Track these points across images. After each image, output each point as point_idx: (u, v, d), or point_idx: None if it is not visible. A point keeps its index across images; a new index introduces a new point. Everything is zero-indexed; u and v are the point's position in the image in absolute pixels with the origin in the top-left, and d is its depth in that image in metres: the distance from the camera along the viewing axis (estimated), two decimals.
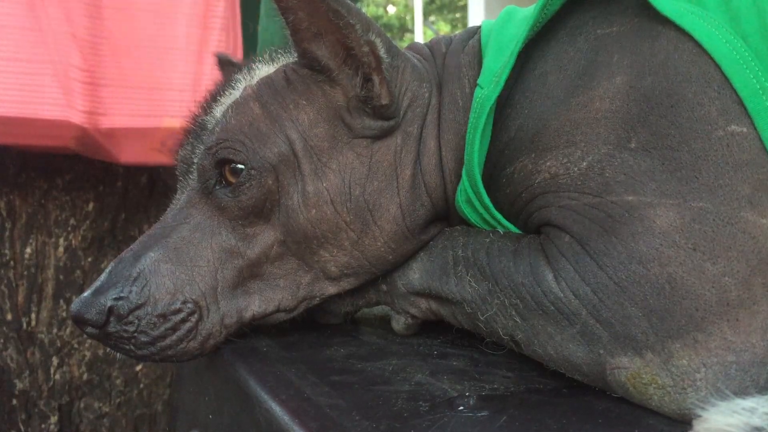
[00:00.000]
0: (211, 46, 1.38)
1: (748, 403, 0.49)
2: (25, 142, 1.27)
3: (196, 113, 0.80)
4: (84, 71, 1.26)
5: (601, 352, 0.57)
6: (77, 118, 1.23)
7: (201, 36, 1.38)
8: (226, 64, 1.00)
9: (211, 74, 1.37)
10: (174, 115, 1.33)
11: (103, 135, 1.27)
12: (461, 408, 0.55)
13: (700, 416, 0.51)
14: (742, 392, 0.51)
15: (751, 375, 0.52)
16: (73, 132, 1.24)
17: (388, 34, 0.74)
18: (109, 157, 1.31)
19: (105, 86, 1.28)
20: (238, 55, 1.41)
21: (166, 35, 1.35)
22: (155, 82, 1.34)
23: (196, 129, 0.78)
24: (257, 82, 0.77)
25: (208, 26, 1.38)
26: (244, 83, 0.78)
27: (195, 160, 0.76)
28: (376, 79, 0.71)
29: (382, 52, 0.71)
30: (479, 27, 0.80)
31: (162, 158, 1.34)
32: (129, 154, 1.31)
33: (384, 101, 0.72)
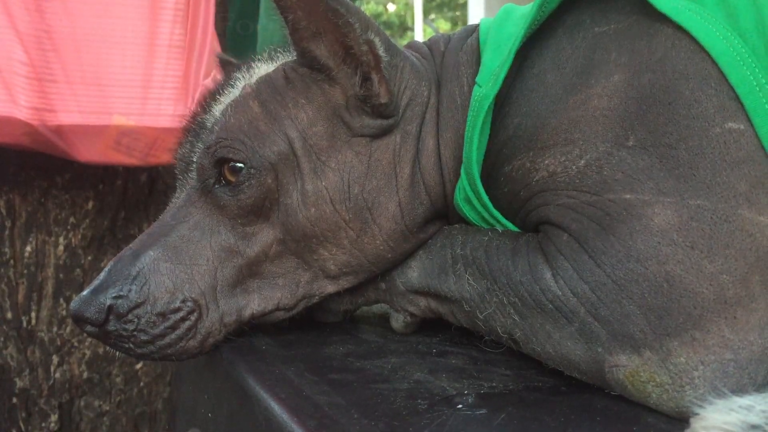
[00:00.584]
0: (162, 39, 1.33)
1: (746, 401, 0.49)
2: None
3: (195, 112, 0.80)
4: (28, 66, 1.22)
5: (600, 350, 0.57)
6: (22, 114, 1.20)
7: (149, 29, 1.33)
8: (225, 64, 1.00)
9: (165, 69, 1.34)
10: (123, 112, 1.30)
11: (54, 132, 1.24)
12: (460, 406, 0.55)
13: (697, 414, 0.51)
14: (739, 390, 0.51)
15: (749, 373, 0.52)
16: (21, 128, 1.21)
17: (388, 32, 0.74)
18: (67, 155, 1.28)
19: (51, 82, 1.25)
20: (216, 49, 1.36)
21: (110, 29, 1.30)
22: (102, 77, 1.29)
23: (195, 128, 0.78)
24: (256, 80, 0.77)
25: (157, 19, 1.33)
26: (243, 82, 0.78)
27: (194, 159, 0.76)
28: (374, 77, 0.71)
29: (380, 50, 0.71)
30: (477, 25, 0.80)
31: (120, 157, 1.32)
32: (86, 153, 1.28)
33: (383, 100, 0.72)
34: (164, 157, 1.33)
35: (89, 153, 1.29)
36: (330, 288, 0.76)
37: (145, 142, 1.32)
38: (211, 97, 0.80)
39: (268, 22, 1.62)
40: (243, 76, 0.79)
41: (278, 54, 0.81)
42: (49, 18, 1.25)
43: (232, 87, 0.79)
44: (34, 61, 1.23)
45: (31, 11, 1.23)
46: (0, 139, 1.23)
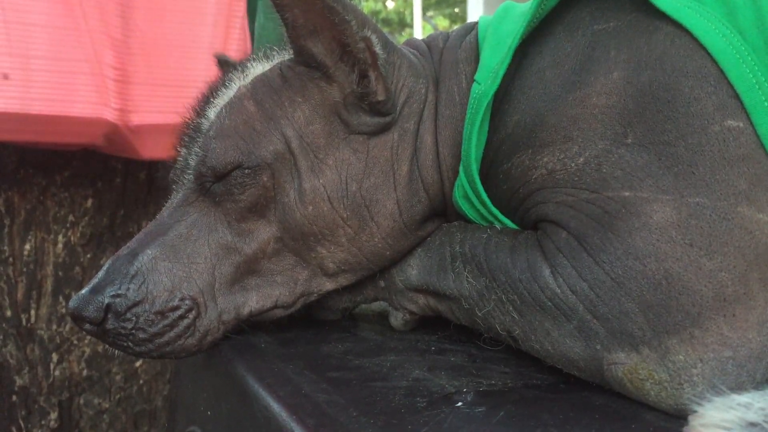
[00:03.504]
0: (232, 45, 1.43)
1: (744, 398, 0.49)
2: (58, 139, 1.30)
3: (190, 116, 0.80)
4: (117, 69, 1.29)
5: (598, 347, 0.57)
6: (110, 115, 1.26)
7: (224, 36, 1.42)
8: (224, 64, 1.00)
9: None
10: None
11: (132, 131, 1.31)
12: (459, 404, 0.55)
13: (696, 411, 0.51)
14: (738, 387, 0.51)
15: (748, 370, 0.52)
16: (105, 129, 1.27)
17: (387, 29, 0.74)
18: (133, 153, 1.34)
19: (135, 84, 1.32)
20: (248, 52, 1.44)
21: (192, 35, 1.39)
22: (181, 80, 1.37)
23: (190, 132, 0.78)
24: (252, 80, 0.77)
25: (230, 26, 1.43)
26: (237, 83, 0.78)
27: (191, 163, 0.76)
28: (372, 75, 0.71)
29: (377, 48, 0.70)
30: (476, 23, 0.80)
31: None
32: (151, 150, 1.34)
33: (380, 97, 0.72)
34: None
35: (153, 150, 1.35)
36: (328, 286, 0.76)
37: None
38: (205, 100, 0.80)
39: (266, 21, 1.62)
40: (237, 77, 0.79)
41: (274, 53, 0.81)
42: (139, 24, 1.33)
43: (227, 88, 0.79)
44: (122, 64, 1.30)
45: (125, 18, 1.31)
46: (83, 139, 1.30)
